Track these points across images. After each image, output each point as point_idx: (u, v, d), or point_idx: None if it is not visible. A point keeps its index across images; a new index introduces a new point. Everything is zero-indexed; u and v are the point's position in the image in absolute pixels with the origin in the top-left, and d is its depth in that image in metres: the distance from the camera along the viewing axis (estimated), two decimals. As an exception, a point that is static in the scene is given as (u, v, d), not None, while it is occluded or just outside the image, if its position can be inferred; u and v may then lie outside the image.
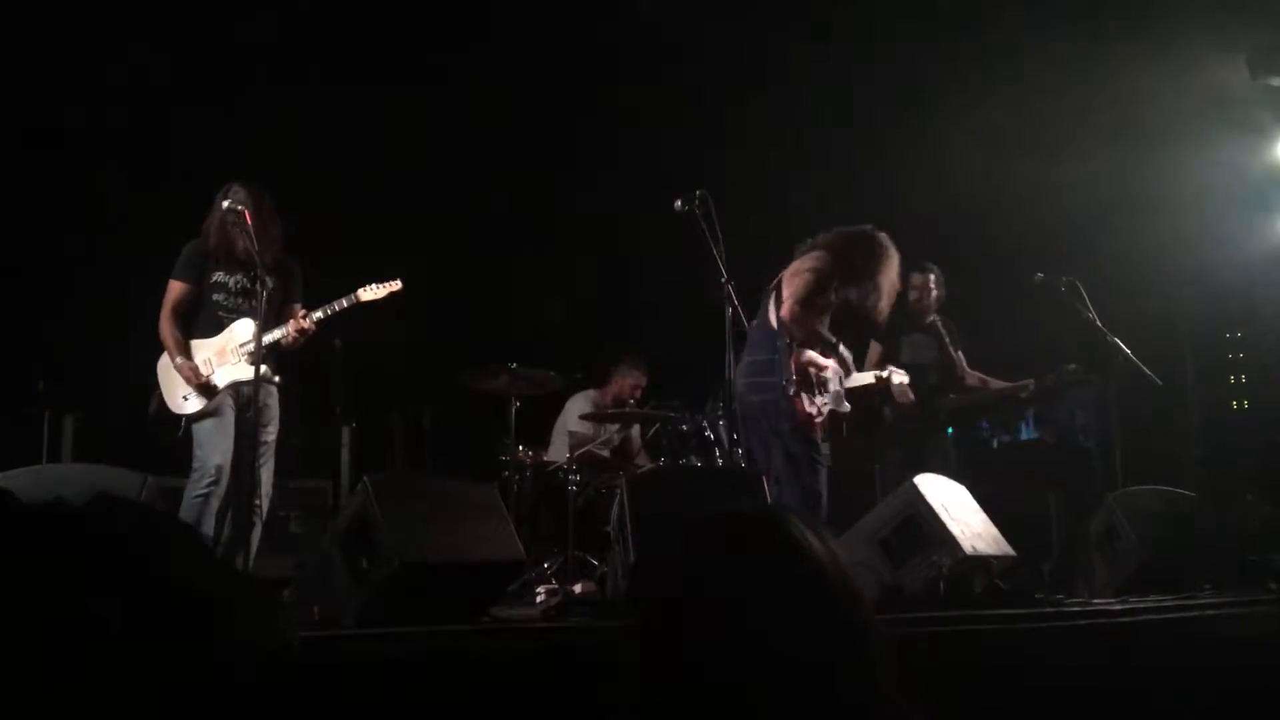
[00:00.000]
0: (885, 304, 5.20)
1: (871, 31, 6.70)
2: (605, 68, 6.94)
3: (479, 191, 7.31)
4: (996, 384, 5.49)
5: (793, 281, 5.11)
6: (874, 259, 5.15)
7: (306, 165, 6.51)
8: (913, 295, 6.11)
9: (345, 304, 4.72)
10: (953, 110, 6.79)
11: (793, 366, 5.03)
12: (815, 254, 5.17)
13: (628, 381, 6.77)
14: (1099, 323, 5.52)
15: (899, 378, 5.49)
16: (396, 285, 4.81)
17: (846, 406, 5.25)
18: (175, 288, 4.71)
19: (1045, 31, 6.53)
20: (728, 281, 4.86)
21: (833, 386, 5.17)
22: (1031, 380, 5.46)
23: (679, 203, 4.89)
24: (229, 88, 6.43)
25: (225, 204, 4.55)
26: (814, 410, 5.07)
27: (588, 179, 7.33)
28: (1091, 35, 6.57)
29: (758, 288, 5.27)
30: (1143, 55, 6.34)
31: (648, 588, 1.23)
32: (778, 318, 5.09)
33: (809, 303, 5.06)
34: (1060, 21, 6.54)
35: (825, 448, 5.31)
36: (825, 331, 5.17)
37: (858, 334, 5.71)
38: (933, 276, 6.24)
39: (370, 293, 4.75)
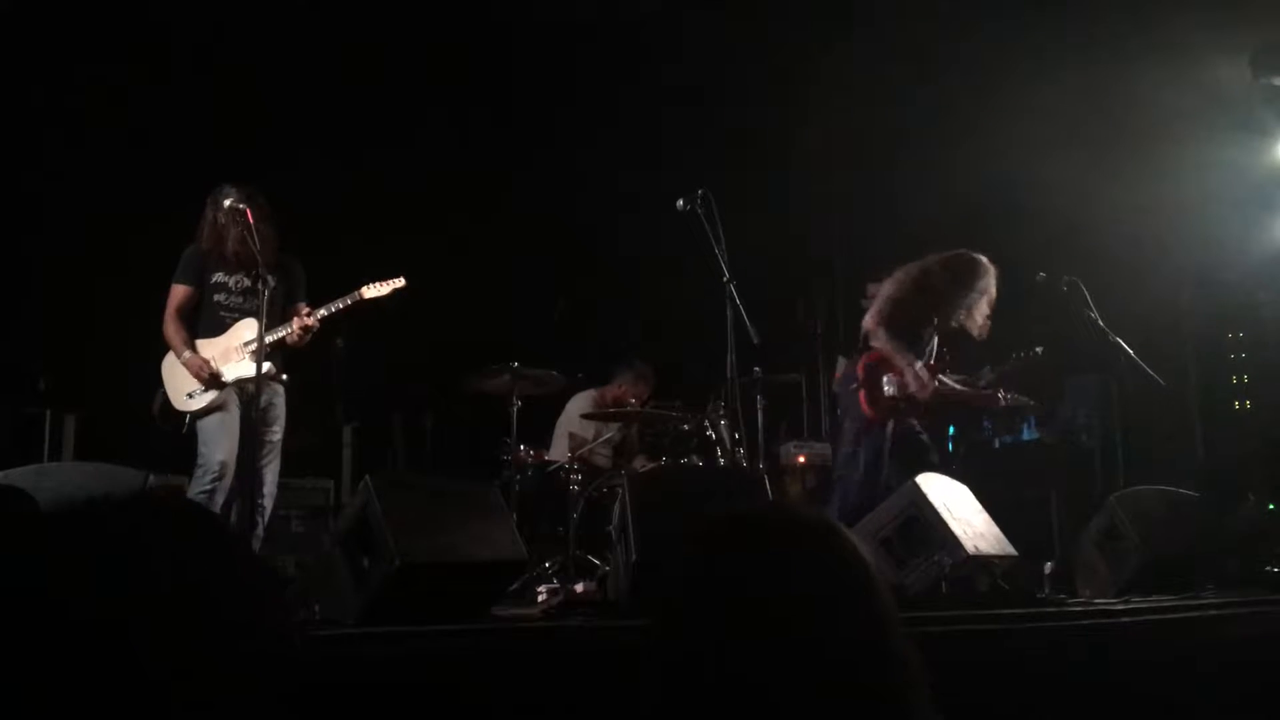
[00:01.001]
0: (977, 320, 5.44)
1: (871, 32, 6.69)
2: (606, 67, 6.94)
3: (481, 190, 7.32)
4: (958, 387, 5.53)
5: (878, 297, 5.49)
6: (957, 280, 5.42)
7: (307, 164, 6.51)
8: None
9: (349, 301, 4.74)
10: (953, 110, 6.79)
11: (859, 368, 5.40)
12: (905, 271, 5.48)
13: (629, 389, 6.75)
14: (1101, 322, 5.51)
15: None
16: (400, 282, 4.82)
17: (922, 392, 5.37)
18: (177, 291, 4.73)
19: (1045, 31, 6.52)
20: (729, 281, 4.86)
21: (909, 386, 5.32)
22: (987, 367, 5.52)
23: (681, 202, 4.90)
24: (229, 84, 6.43)
25: (226, 203, 4.56)
26: (878, 408, 5.30)
27: (590, 178, 7.33)
28: (1092, 34, 6.56)
29: (759, 286, 5.29)
30: (1144, 54, 6.34)
31: (649, 588, 1.22)
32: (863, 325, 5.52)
33: (887, 316, 5.39)
34: (1060, 21, 6.53)
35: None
36: (908, 351, 5.36)
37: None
38: None
39: (373, 290, 4.77)
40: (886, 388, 5.35)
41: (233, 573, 0.97)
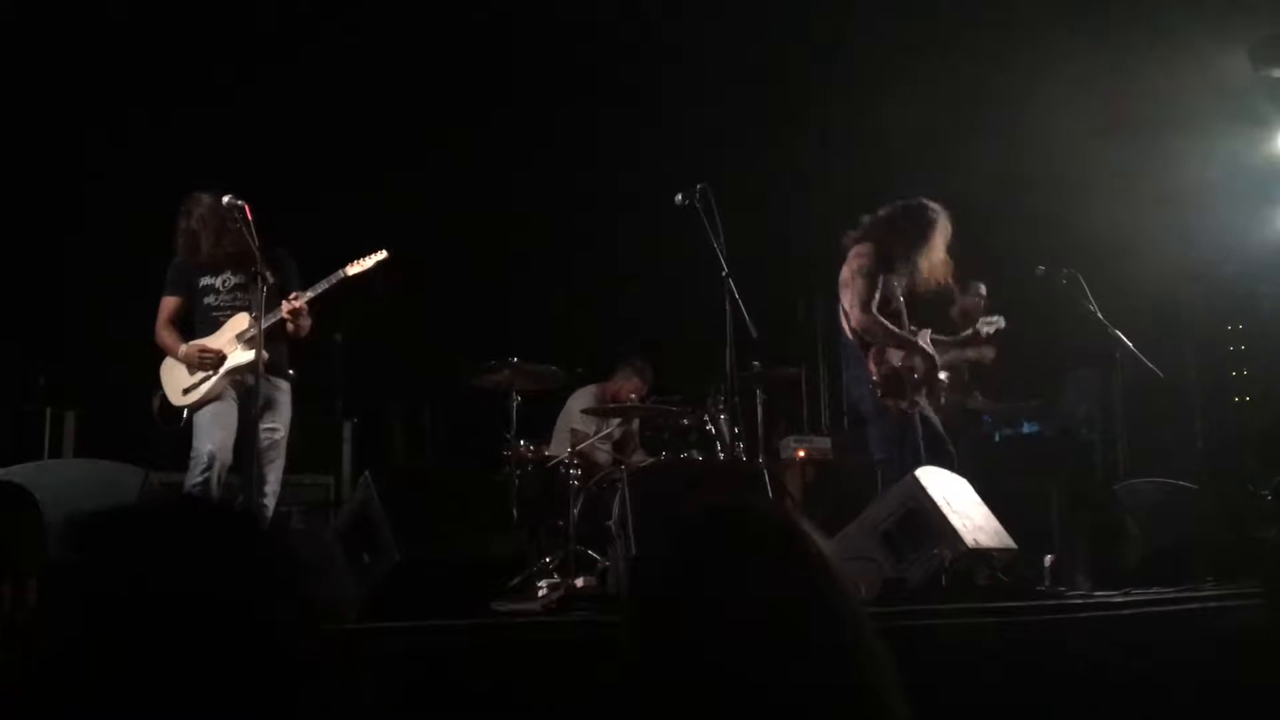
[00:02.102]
0: (935, 274, 5.18)
1: (869, 29, 6.68)
2: (606, 65, 6.93)
3: (481, 187, 7.31)
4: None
5: (845, 289, 5.11)
6: (914, 234, 5.12)
7: (308, 160, 6.51)
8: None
9: (334, 280, 4.73)
10: (953, 105, 6.78)
11: (873, 370, 5.03)
12: (856, 250, 5.15)
13: (628, 385, 6.76)
14: (1100, 315, 5.51)
15: (987, 328, 5.47)
16: (382, 255, 4.80)
17: (944, 378, 5.27)
18: (166, 303, 4.81)
19: (1045, 24, 6.51)
20: (728, 275, 4.86)
21: (924, 364, 5.15)
22: (999, 318, 5.46)
23: (680, 197, 4.89)
24: (230, 84, 6.42)
25: (224, 199, 4.55)
26: (906, 410, 5.04)
27: (589, 173, 7.33)
28: (1092, 27, 6.55)
29: (758, 281, 5.27)
30: (1143, 47, 6.33)
31: (646, 584, 1.22)
32: (850, 329, 5.12)
33: (866, 299, 5.03)
34: (1060, 14, 6.53)
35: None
36: (894, 330, 5.10)
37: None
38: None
39: (357, 266, 4.76)
40: (913, 398, 5.08)
41: (269, 569, 0.97)
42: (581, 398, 6.72)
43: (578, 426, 6.48)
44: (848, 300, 5.10)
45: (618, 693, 1.15)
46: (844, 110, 7.11)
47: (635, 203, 6.59)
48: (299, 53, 6.50)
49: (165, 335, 4.77)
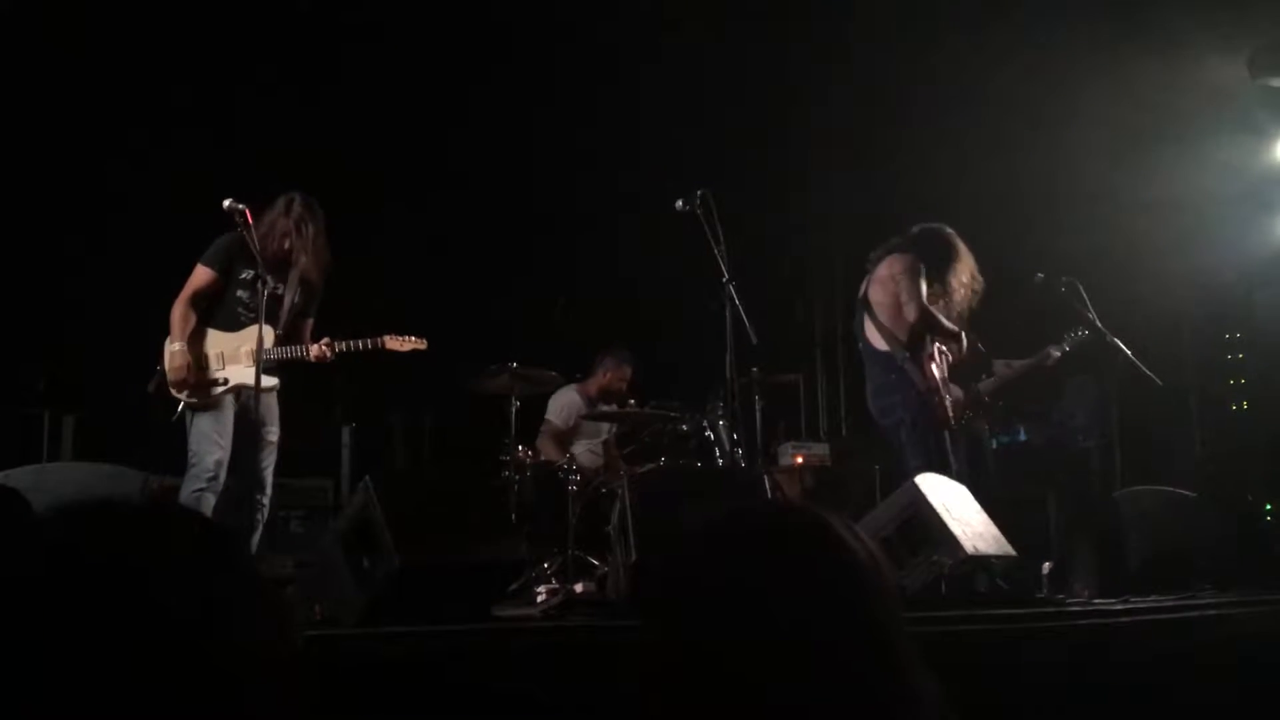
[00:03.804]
0: (961, 299, 5.31)
1: (870, 31, 6.69)
2: (606, 66, 6.94)
3: (480, 189, 7.32)
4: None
5: (885, 293, 5.17)
6: (945, 256, 5.25)
7: (308, 161, 6.51)
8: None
9: (369, 345, 4.80)
10: (951, 110, 6.80)
11: (925, 374, 5.08)
12: (892, 259, 5.23)
13: (615, 374, 6.73)
14: (1099, 323, 5.52)
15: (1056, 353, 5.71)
16: (422, 345, 4.92)
17: (959, 392, 5.38)
18: (202, 274, 4.71)
19: (1044, 31, 6.53)
20: (729, 281, 4.86)
21: (945, 377, 5.28)
22: (1051, 347, 5.66)
23: (680, 202, 4.89)
24: (230, 86, 6.43)
25: (226, 204, 4.55)
26: (952, 411, 5.14)
27: (590, 177, 7.34)
28: (1090, 35, 6.57)
29: (757, 286, 5.27)
30: (1142, 55, 6.34)
31: (648, 587, 1.21)
32: (887, 333, 5.15)
33: (921, 295, 5.12)
34: (1059, 21, 6.54)
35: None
36: (946, 321, 5.24)
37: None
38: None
39: (395, 343, 4.84)
40: (949, 397, 5.18)
41: (227, 583, 0.96)
42: (560, 397, 6.66)
43: (553, 418, 6.49)
44: (896, 298, 5.14)
45: (640, 697, 1.13)
46: (844, 114, 7.12)
47: (636, 207, 6.60)
48: (296, 58, 6.50)
49: (179, 311, 4.64)
